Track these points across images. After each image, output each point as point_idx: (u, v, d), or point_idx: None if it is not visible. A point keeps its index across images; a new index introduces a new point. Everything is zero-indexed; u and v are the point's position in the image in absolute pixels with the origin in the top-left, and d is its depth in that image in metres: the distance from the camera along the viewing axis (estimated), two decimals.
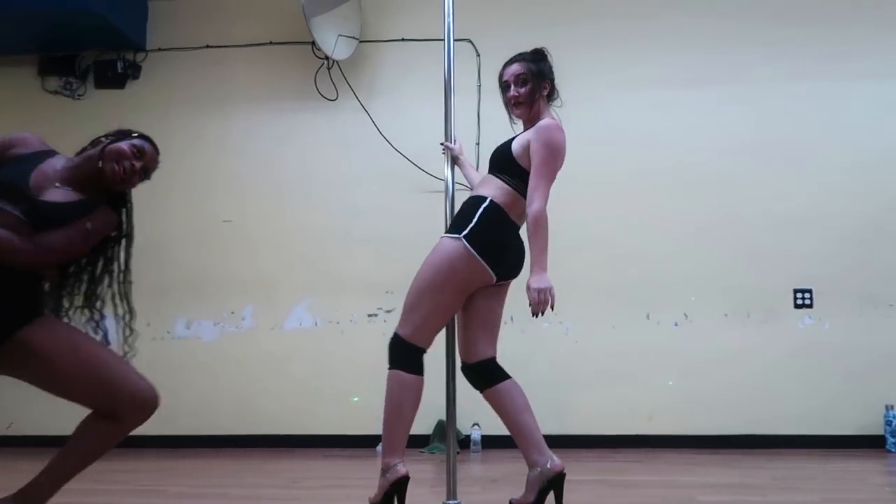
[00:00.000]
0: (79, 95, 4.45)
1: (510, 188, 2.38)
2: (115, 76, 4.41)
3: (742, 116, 4.14)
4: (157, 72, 4.45)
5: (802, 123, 4.10)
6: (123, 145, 2.08)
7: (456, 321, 2.49)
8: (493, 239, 2.33)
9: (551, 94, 2.53)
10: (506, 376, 2.39)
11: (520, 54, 2.51)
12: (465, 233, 2.30)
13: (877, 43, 4.09)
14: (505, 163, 2.42)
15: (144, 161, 2.14)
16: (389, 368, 2.35)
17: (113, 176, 2.06)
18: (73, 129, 4.36)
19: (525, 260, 2.43)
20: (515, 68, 2.46)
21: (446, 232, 2.42)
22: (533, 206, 2.28)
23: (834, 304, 3.98)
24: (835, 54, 4.11)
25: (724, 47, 4.17)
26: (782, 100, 4.11)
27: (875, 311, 3.95)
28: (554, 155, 2.35)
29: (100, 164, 2.05)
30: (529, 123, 2.46)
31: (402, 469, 2.27)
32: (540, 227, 2.28)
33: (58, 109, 4.43)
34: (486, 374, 2.40)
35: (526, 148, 2.37)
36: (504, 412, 2.36)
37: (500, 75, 2.51)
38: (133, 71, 4.43)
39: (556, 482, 2.29)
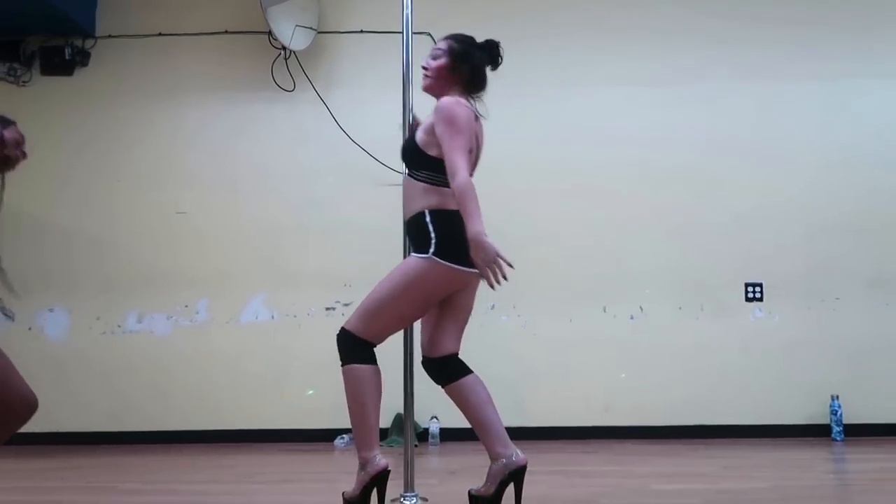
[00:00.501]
0: (24, 82, 4.29)
1: (431, 185, 2.31)
2: (63, 63, 4.27)
3: (697, 115, 4.21)
4: (107, 59, 4.32)
5: (755, 123, 4.20)
6: (17, 133, 2.15)
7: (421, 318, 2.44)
8: (458, 240, 2.22)
9: (473, 84, 2.43)
10: (468, 371, 2.37)
11: (455, 34, 2.46)
12: (432, 249, 2.25)
13: (832, 45, 4.20)
14: (415, 157, 2.35)
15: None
16: (344, 364, 2.31)
17: (15, 163, 2.13)
18: (17, 117, 4.21)
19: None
20: (438, 43, 2.44)
21: (413, 252, 2.34)
22: (455, 180, 2.19)
23: (783, 297, 4.09)
24: (789, 56, 4.20)
25: (684, 46, 4.24)
26: (737, 100, 4.19)
27: (822, 305, 4.07)
28: (457, 128, 2.24)
29: (5, 150, 2.09)
30: None
31: (381, 462, 2.23)
32: (467, 198, 2.16)
33: (1, 96, 4.27)
34: (449, 369, 2.37)
35: (431, 133, 2.30)
36: (467, 406, 2.33)
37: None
38: (81, 58, 4.30)
39: (517, 475, 2.28)
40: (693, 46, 4.23)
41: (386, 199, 3.95)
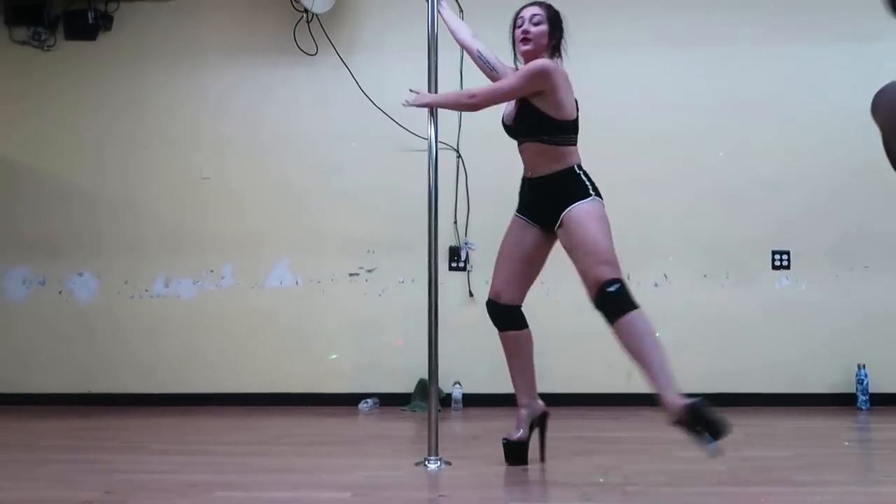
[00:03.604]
0: (48, 47, 4.30)
1: (567, 147, 2.60)
2: (86, 27, 4.26)
3: (725, 77, 4.11)
4: (130, 23, 4.30)
5: (782, 86, 4.09)
6: None
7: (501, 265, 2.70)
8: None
9: (557, 50, 2.65)
10: (526, 324, 2.73)
11: (541, 1, 2.66)
12: (594, 194, 2.53)
13: (866, 5, 4.05)
14: (546, 125, 2.55)
15: None
16: (629, 312, 2.45)
17: None
18: (43, 82, 4.30)
19: None
20: (534, 9, 2.62)
21: (573, 202, 2.52)
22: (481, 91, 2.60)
23: (810, 265, 4.03)
24: (814, 17, 4.08)
25: (712, 6, 4.13)
26: (766, 62, 4.08)
27: (850, 273, 4.01)
28: (530, 79, 2.49)
29: None
30: None
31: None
32: (460, 99, 2.75)
33: (27, 61, 4.29)
34: (514, 318, 2.69)
35: (543, 96, 2.51)
36: (512, 355, 2.70)
37: (516, 14, 2.65)
38: (105, 22, 4.28)
39: (540, 421, 2.65)
40: (722, 7, 4.11)
41: (409, 164, 3.93)
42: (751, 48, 4.10)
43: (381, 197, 4.10)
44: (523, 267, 2.66)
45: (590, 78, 4.12)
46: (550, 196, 2.56)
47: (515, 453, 2.56)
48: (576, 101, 2.65)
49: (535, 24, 2.58)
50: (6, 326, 4.19)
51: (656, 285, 4.07)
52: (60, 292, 4.23)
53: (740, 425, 3.38)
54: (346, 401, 3.96)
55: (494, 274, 2.70)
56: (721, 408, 3.84)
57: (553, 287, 4.08)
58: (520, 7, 2.67)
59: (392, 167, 4.10)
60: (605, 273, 2.43)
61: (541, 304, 4.06)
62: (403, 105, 2.73)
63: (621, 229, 4.04)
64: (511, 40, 2.65)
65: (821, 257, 4.02)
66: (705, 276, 4.06)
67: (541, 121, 2.53)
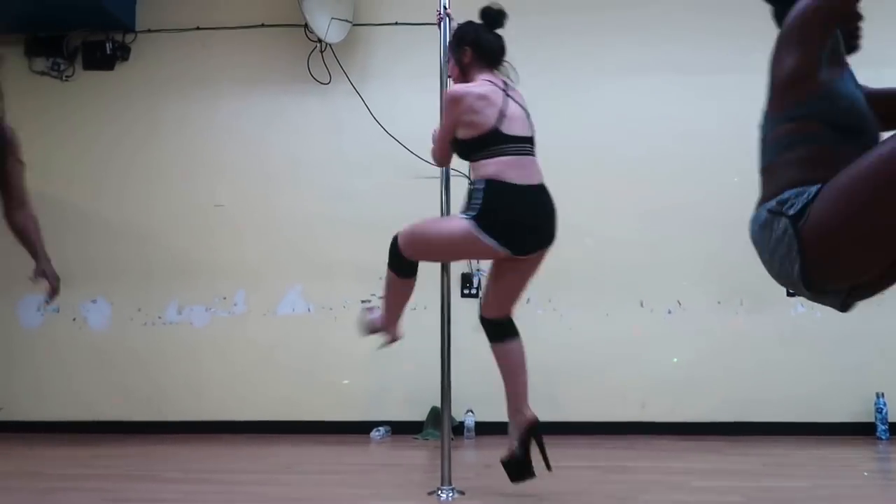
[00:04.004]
0: (66, 77, 4.38)
1: (475, 162, 2.52)
2: (104, 57, 4.34)
3: (735, 104, 4.10)
4: (147, 53, 4.38)
5: None
6: None
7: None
8: (500, 215, 2.44)
9: (483, 58, 2.61)
10: (510, 336, 2.60)
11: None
12: (472, 213, 2.43)
13: (881, 31, 4.06)
14: (461, 148, 2.58)
15: None
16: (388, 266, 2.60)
17: None
18: (61, 111, 4.36)
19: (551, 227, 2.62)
20: None
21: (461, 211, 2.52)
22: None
23: None
24: None
25: (724, 34, 4.15)
26: None
27: (867, 300, 3.95)
28: (445, 113, 2.54)
29: None
30: None
31: None
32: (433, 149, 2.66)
33: (45, 91, 4.36)
34: (494, 331, 2.60)
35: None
36: (499, 366, 2.60)
37: None
38: (122, 52, 4.36)
39: (532, 432, 2.49)
40: (733, 35, 4.13)
41: (421, 191, 3.94)
42: (762, 75, 4.09)
43: (392, 223, 4.05)
44: (493, 282, 2.64)
45: (600, 106, 4.16)
46: None
47: (514, 469, 2.52)
48: (501, 110, 2.49)
49: (448, 62, 2.70)
50: (21, 354, 4.21)
51: (670, 312, 4.04)
52: (74, 319, 4.25)
53: (756, 455, 3.34)
54: (358, 429, 3.94)
55: None
56: (737, 436, 3.82)
57: (566, 315, 4.07)
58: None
59: (404, 194, 4.11)
60: (398, 233, 2.61)
61: (553, 333, 4.05)
62: None
63: (634, 257, 4.06)
64: None
65: None
66: (719, 302, 4.03)
67: (456, 144, 2.59)
